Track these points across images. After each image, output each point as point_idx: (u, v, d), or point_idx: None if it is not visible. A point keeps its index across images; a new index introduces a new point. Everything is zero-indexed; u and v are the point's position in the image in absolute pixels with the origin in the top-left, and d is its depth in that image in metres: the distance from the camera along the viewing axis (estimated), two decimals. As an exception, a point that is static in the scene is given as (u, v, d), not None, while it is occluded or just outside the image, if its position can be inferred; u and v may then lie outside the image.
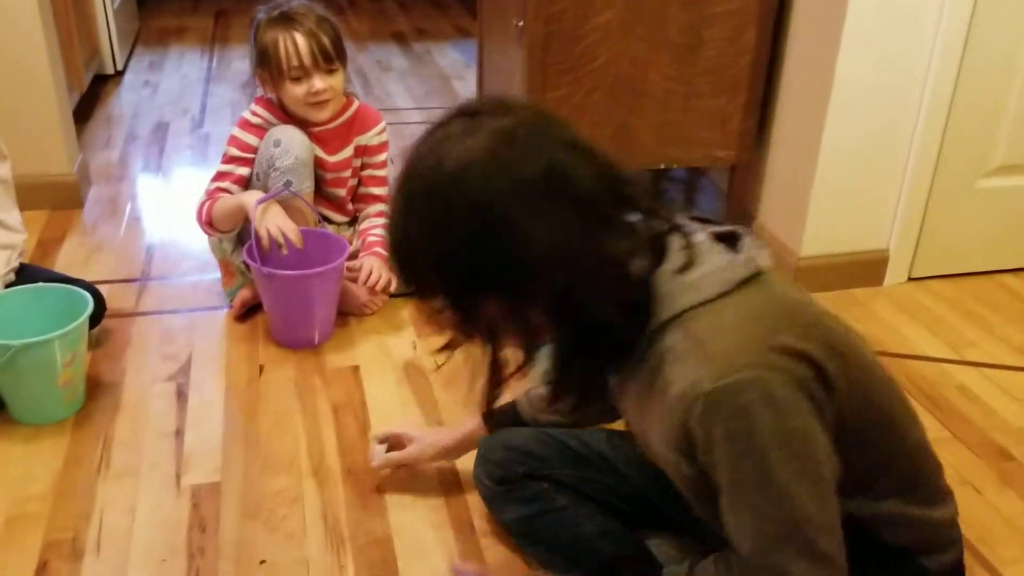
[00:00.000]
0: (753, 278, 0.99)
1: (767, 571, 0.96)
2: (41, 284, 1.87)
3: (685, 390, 0.95)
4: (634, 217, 0.99)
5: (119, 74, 3.79)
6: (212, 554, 1.48)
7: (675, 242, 1.02)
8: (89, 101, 3.43)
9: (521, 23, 2.18)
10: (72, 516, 1.56)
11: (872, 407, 1.05)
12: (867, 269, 2.37)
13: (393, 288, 2.10)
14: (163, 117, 3.43)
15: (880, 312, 2.28)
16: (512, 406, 1.47)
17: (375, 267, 2.08)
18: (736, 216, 2.51)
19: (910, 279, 2.41)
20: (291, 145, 2.05)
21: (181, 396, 1.88)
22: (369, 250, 2.15)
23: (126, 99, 3.60)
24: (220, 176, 2.11)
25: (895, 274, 2.38)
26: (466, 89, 3.78)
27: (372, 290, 2.17)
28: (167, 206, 2.75)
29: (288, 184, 2.04)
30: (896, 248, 2.34)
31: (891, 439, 1.08)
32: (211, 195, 2.08)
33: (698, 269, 0.99)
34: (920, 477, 1.12)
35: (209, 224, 2.07)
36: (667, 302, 0.98)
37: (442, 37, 4.54)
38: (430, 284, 1.02)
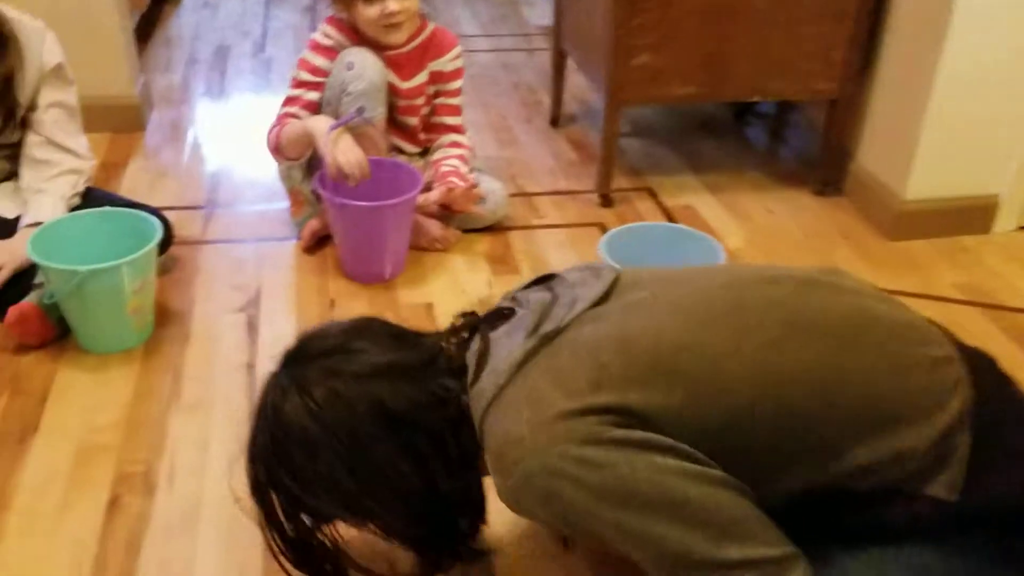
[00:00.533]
0: (548, 339, 1.00)
1: None
2: (109, 208, 1.79)
3: (499, 494, 1.00)
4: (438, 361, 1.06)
5: (179, -6, 3.68)
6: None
7: (472, 350, 1.05)
8: (149, 22, 3.32)
9: (613, -61, 2.02)
10: (144, 449, 1.49)
11: (736, 401, 0.96)
12: (975, 216, 2.21)
13: (478, 192, 2.03)
14: (224, 40, 3.32)
15: (989, 261, 2.12)
16: None
17: (457, 182, 2.00)
18: (833, 155, 2.35)
19: (1020, 228, 2.24)
20: (364, 68, 1.93)
21: (252, 328, 1.80)
22: (443, 179, 2.04)
23: (186, 21, 3.49)
24: (289, 101, 2.00)
25: (1005, 221, 2.22)
26: (535, 16, 3.62)
27: (445, 225, 2.08)
28: (230, 132, 2.66)
29: (360, 110, 1.92)
30: (1009, 194, 2.18)
31: (800, 417, 0.97)
32: (280, 121, 1.97)
33: (484, 371, 1.01)
34: (868, 424, 0.97)
35: (277, 150, 1.98)
36: (474, 411, 1.02)
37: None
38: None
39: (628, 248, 1.75)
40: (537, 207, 2.31)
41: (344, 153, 1.84)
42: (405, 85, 2.04)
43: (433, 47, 2.06)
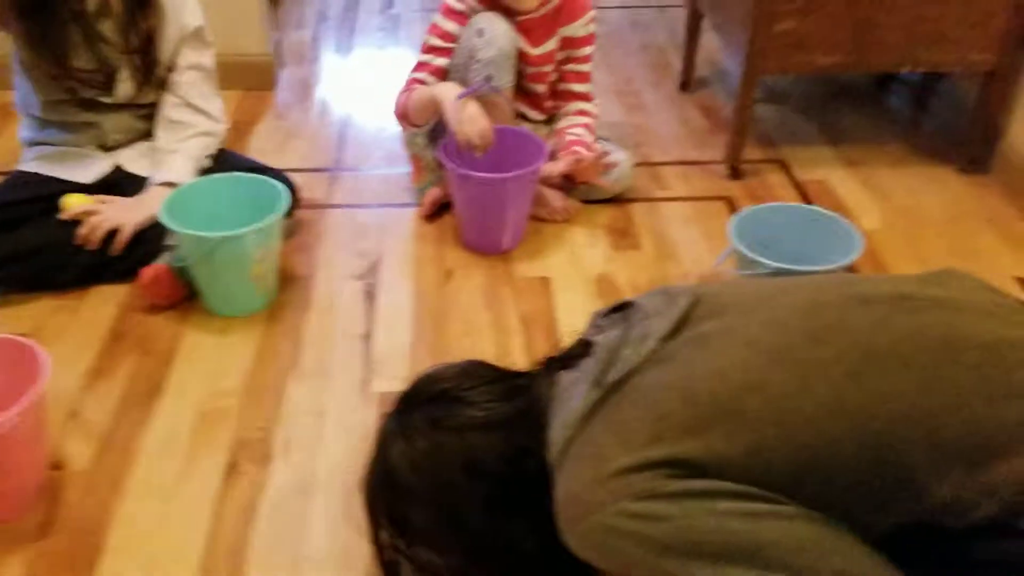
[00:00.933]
0: (613, 389, 0.97)
1: None
2: (238, 174, 1.82)
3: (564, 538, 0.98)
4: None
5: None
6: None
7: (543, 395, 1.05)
8: (282, -23, 3.36)
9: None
10: (263, 416, 1.52)
11: (809, 442, 0.90)
12: None
13: (606, 163, 1.98)
14: (354, -6, 3.33)
15: None
16: None
17: (583, 152, 1.95)
18: (983, 131, 2.18)
19: None
20: (495, 35, 1.88)
21: (370, 297, 1.81)
22: (568, 149, 1.99)
23: (318, -25, 3.52)
24: (418, 67, 1.98)
25: None
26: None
27: (566, 195, 2.03)
28: (357, 90, 2.66)
29: (489, 78, 1.88)
30: None
31: (884, 455, 0.89)
32: (409, 86, 1.95)
33: (555, 421, 1.00)
34: (958, 458, 0.89)
35: (404, 117, 1.96)
36: (549, 463, 1.01)
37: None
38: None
39: (759, 229, 1.68)
40: (662, 178, 2.24)
41: (470, 123, 1.81)
42: (535, 51, 1.98)
43: (565, 11, 2.00)
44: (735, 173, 2.23)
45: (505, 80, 1.92)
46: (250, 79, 2.59)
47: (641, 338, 1.01)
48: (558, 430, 0.99)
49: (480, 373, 1.12)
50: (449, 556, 1.09)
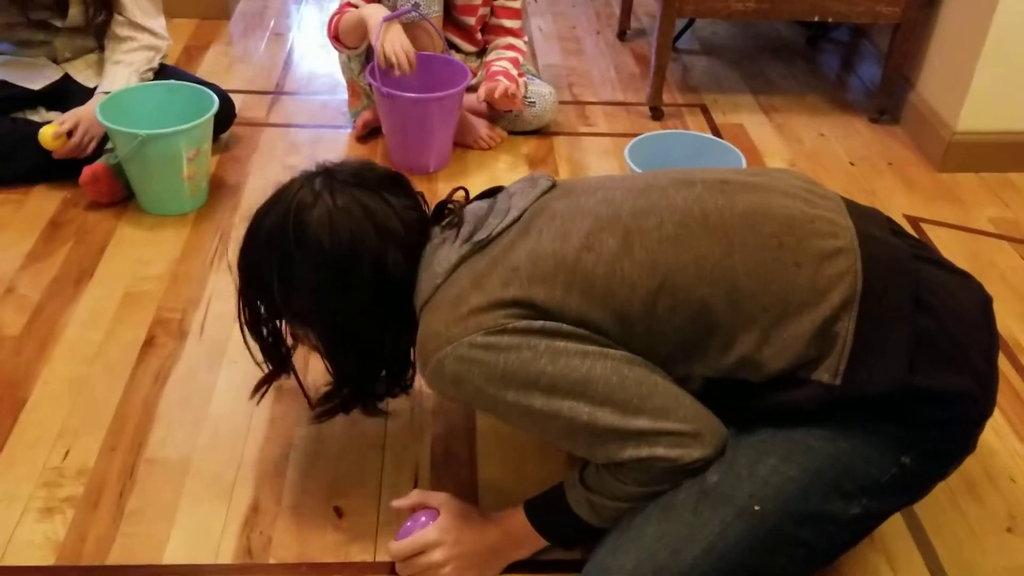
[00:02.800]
0: (477, 247, 1.10)
1: (609, 470, 1.07)
2: (173, 81, 1.93)
3: (423, 380, 1.12)
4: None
5: None
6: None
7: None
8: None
9: None
10: (182, 300, 1.65)
11: (633, 296, 1.04)
12: (1027, 153, 2.17)
13: (520, 97, 2.09)
14: (318, -63, 3.42)
15: (1036, 199, 2.09)
16: (559, 492, 1.16)
17: (502, 81, 2.06)
18: (892, 83, 2.32)
19: (1077, 168, 2.19)
20: None
21: (296, 204, 1.93)
22: (491, 78, 2.11)
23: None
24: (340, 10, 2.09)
25: (1061, 161, 2.17)
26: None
27: (492, 124, 2.16)
28: (309, 24, 2.78)
29: (416, 5, 2.00)
30: (1067, 131, 2.12)
31: (697, 309, 1.03)
32: (341, 9, 2.07)
33: (425, 271, 1.12)
34: (757, 315, 1.02)
35: (336, 38, 2.07)
36: (416, 301, 1.13)
37: None
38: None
39: (652, 155, 1.81)
40: (588, 116, 2.37)
41: (391, 43, 1.93)
42: None
43: None
44: (656, 114, 2.36)
45: (432, 8, 2.03)
46: (205, 8, 2.70)
47: (505, 211, 1.14)
48: (427, 278, 1.11)
49: (403, 183, 1.19)
50: (314, 323, 1.16)
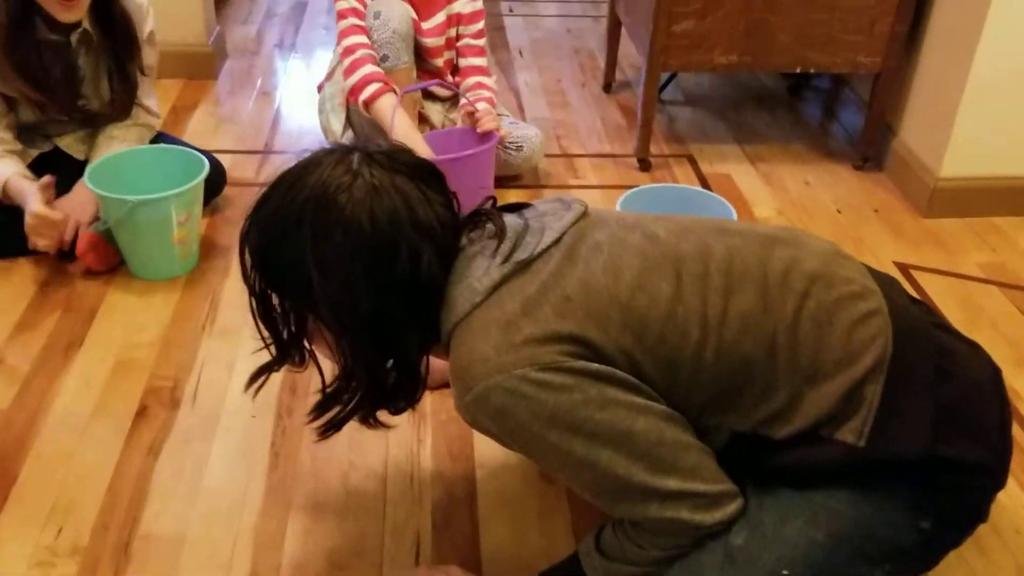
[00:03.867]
0: (521, 267, 1.04)
1: (627, 534, 1.07)
2: (163, 145, 1.93)
3: (456, 406, 1.06)
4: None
5: (264, -48, 3.83)
6: (299, 415, 1.53)
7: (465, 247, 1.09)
8: (233, -24, 3.48)
9: (659, -94, 2.06)
10: (174, 366, 1.63)
11: (683, 342, 1.02)
12: (1011, 197, 2.19)
13: (502, 132, 2.12)
14: (302, -4, 3.46)
15: (1021, 243, 2.11)
16: (574, 562, 1.16)
17: (483, 110, 2.11)
18: (875, 130, 2.35)
19: (1060, 211, 2.22)
20: (389, 17, 2.07)
21: (288, 265, 1.93)
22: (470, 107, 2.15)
23: (269, -24, 3.64)
24: (352, 31, 2.11)
25: (1044, 205, 2.20)
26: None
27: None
28: (295, 83, 2.79)
29: (385, 58, 2.08)
30: (1049, 176, 2.15)
31: (739, 361, 1.02)
32: (380, 80, 2.07)
33: (460, 283, 1.05)
34: (791, 371, 1.02)
35: (365, 107, 2.09)
36: (444, 315, 1.07)
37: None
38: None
39: (644, 208, 1.81)
40: (576, 168, 2.38)
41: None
42: (425, 25, 2.18)
43: None
44: (644, 165, 2.38)
45: (402, 59, 2.09)
46: (192, 68, 2.71)
47: (540, 230, 1.09)
48: (465, 293, 1.04)
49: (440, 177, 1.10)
50: (336, 314, 1.04)
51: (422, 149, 1.97)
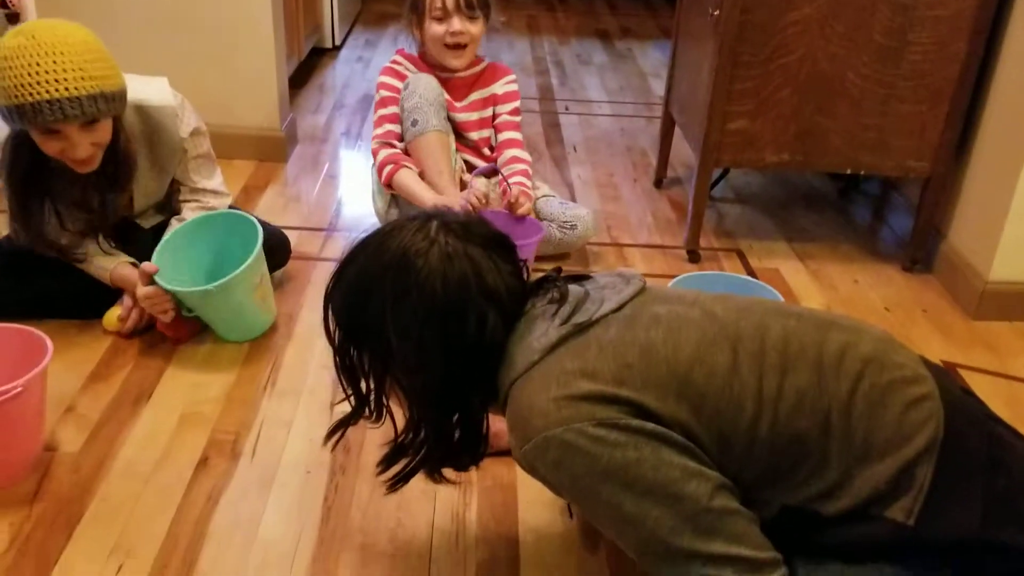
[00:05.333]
0: (579, 330, 1.10)
1: None
2: (208, 213, 2.00)
3: (514, 455, 1.12)
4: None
5: (336, 48, 4.04)
6: (352, 473, 1.58)
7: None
8: (306, 70, 3.68)
9: (716, 12, 2.17)
10: (236, 423, 1.70)
11: (739, 417, 1.06)
12: (1062, 301, 2.21)
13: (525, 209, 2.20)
14: (370, 90, 3.61)
15: (1072, 347, 2.12)
16: None
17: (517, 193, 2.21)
18: (924, 233, 2.40)
19: (1110, 318, 2.22)
20: (416, 86, 2.25)
21: (347, 335, 2.00)
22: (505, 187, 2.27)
23: (339, 71, 3.84)
24: (381, 120, 2.30)
25: (1094, 310, 2.21)
26: (661, 88, 3.78)
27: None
28: (360, 169, 2.92)
29: (415, 123, 2.21)
30: (1099, 282, 2.17)
31: (792, 438, 1.05)
32: (394, 161, 2.24)
33: (520, 343, 1.12)
34: (844, 451, 1.05)
35: (388, 187, 2.26)
36: (503, 374, 1.13)
37: (646, 36, 4.56)
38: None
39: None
40: (626, 256, 2.45)
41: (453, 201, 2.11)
42: (459, 103, 2.36)
43: (487, 75, 2.40)
44: (693, 256, 2.44)
45: (431, 122, 2.22)
46: (265, 151, 2.86)
47: (600, 300, 1.15)
48: (523, 352, 1.10)
49: (508, 245, 1.19)
50: (408, 372, 1.13)
51: (451, 197, 2.10)
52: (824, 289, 2.34)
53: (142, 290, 1.82)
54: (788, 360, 1.08)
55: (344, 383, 1.20)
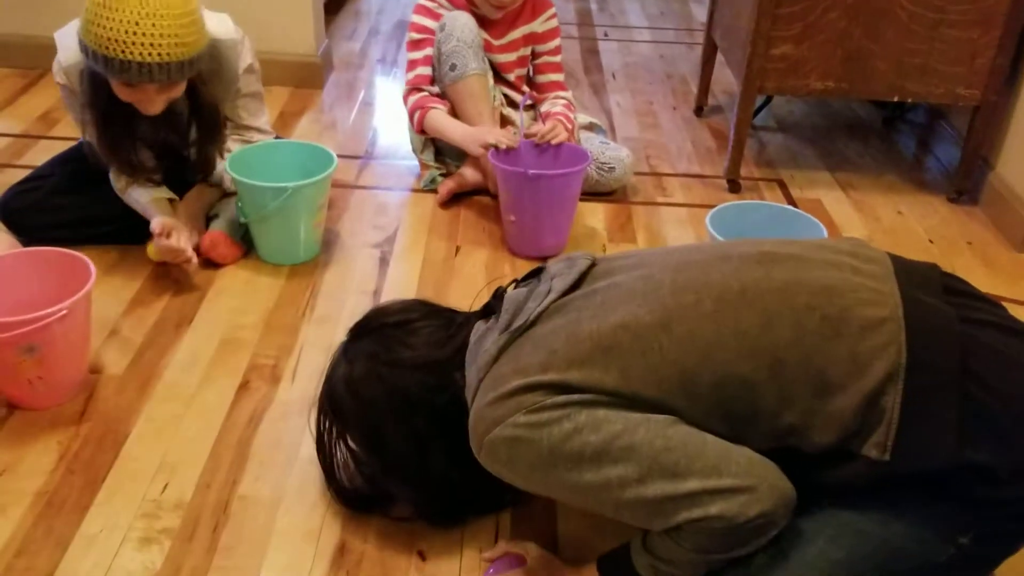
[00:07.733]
0: (517, 334, 1.14)
1: (668, 534, 1.04)
2: (292, 140, 2.06)
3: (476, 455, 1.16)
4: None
5: (372, -27, 3.98)
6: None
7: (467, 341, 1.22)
8: (341, -5, 3.64)
9: (762, -68, 2.10)
10: (275, 347, 1.72)
11: (672, 373, 1.04)
12: (1114, 234, 2.15)
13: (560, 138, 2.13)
14: (405, 16, 3.57)
15: (1122, 282, 2.07)
16: (627, 554, 1.16)
17: (555, 127, 2.13)
18: (971, 164, 2.34)
19: None
20: (454, 28, 2.16)
21: (383, 262, 2.01)
22: (548, 119, 2.21)
23: (375, -3, 3.79)
24: (413, 64, 2.24)
25: None
26: (702, 13, 3.69)
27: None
28: (395, 96, 2.89)
29: (453, 67, 2.14)
30: None
31: (738, 384, 1.03)
32: (422, 105, 2.19)
33: (472, 365, 1.18)
34: (799, 387, 1.01)
35: (421, 131, 2.23)
36: (467, 401, 1.18)
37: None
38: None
39: (734, 224, 1.84)
40: (665, 187, 2.42)
41: (488, 136, 2.07)
42: (497, 42, 2.26)
43: (527, 12, 2.29)
44: (733, 186, 2.40)
45: (471, 66, 2.15)
46: (300, 77, 2.85)
47: (544, 293, 1.17)
48: (473, 372, 1.16)
49: (421, 311, 1.29)
50: (371, 466, 1.31)
51: (492, 133, 2.07)
52: (867, 220, 2.30)
53: (162, 243, 1.82)
54: (725, 304, 1.05)
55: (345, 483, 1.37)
